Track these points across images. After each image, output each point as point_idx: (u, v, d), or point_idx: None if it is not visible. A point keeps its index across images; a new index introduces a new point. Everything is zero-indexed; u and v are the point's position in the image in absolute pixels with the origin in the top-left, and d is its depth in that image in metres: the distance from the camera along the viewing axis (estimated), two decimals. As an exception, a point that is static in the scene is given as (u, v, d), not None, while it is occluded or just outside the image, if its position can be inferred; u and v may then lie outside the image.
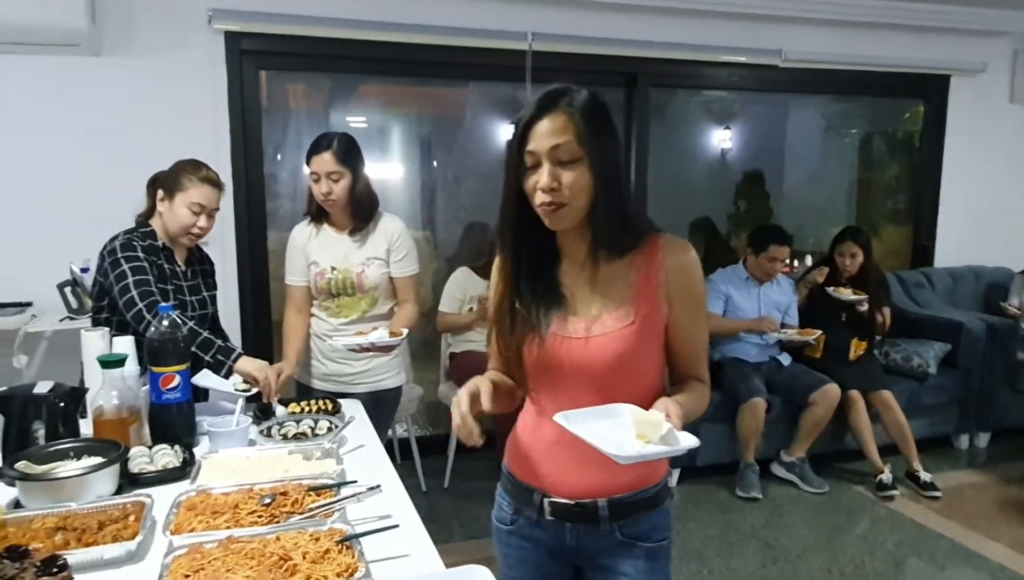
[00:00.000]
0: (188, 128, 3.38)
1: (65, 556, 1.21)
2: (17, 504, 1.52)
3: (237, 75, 3.53)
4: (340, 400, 2.25)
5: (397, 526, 1.41)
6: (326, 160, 2.40)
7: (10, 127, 3.25)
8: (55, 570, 1.14)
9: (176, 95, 3.41)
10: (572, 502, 1.37)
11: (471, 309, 3.75)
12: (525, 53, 3.85)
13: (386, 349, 2.39)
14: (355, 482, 1.59)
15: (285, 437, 1.94)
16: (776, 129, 5.81)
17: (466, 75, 4.28)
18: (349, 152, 2.43)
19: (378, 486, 1.55)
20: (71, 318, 3.06)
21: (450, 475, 3.75)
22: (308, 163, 2.46)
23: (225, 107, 3.52)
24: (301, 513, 1.46)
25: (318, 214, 2.54)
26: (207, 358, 2.09)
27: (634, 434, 1.16)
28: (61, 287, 3.06)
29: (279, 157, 4.02)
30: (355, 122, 4.43)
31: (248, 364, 2.12)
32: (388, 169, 4.38)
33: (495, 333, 1.41)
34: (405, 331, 2.39)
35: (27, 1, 3.00)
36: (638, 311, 1.30)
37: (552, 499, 1.39)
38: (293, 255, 2.58)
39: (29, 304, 3.20)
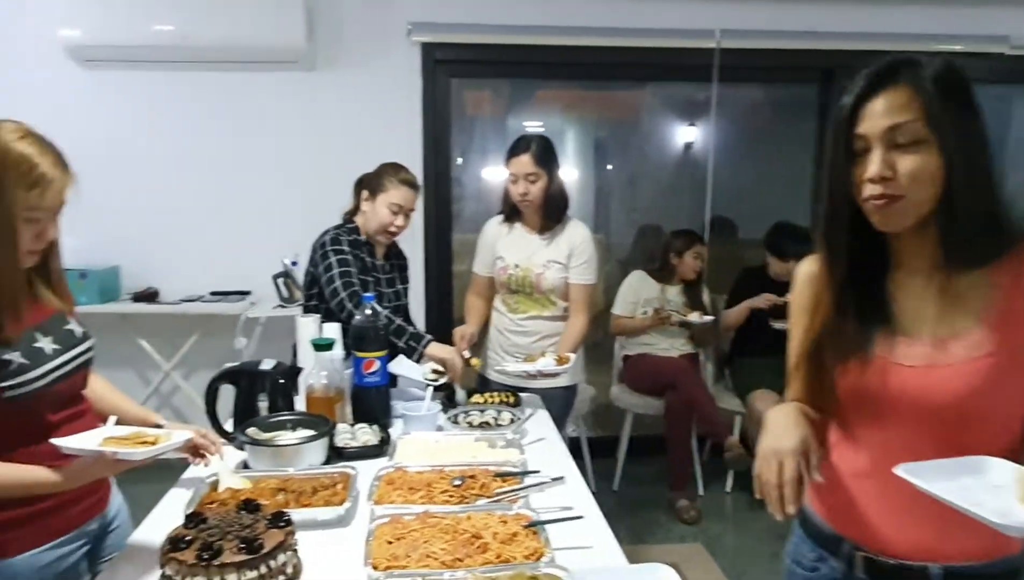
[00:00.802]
0: (387, 134, 3.65)
1: (289, 513, 1.35)
2: (245, 465, 1.72)
3: (431, 84, 3.76)
4: (520, 394, 2.32)
5: (581, 517, 1.44)
6: (524, 162, 2.48)
7: (236, 136, 3.68)
8: (282, 523, 1.28)
9: (378, 104, 3.70)
10: (894, 561, 1.14)
11: (644, 313, 3.71)
12: (712, 51, 3.75)
13: (553, 376, 2.42)
14: (537, 472, 1.64)
15: (471, 425, 2.04)
16: (999, 125, 5.20)
17: (647, 76, 4.24)
18: (546, 154, 2.51)
19: (561, 477, 1.60)
20: (282, 306, 3.41)
21: (620, 478, 3.76)
22: (507, 164, 2.55)
23: (419, 114, 3.75)
24: (489, 496, 1.53)
25: (512, 213, 2.64)
26: (400, 343, 2.25)
27: (1016, 496, 0.92)
28: (275, 278, 3.42)
29: (460, 161, 4.22)
30: (532, 126, 4.53)
31: (437, 349, 2.26)
32: (563, 172, 4.43)
33: (802, 351, 1.20)
34: (572, 357, 2.39)
35: (255, 25, 3.40)
36: (1000, 339, 1.04)
37: (867, 554, 1.16)
38: (483, 248, 2.72)
39: (248, 293, 3.61)
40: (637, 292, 3.77)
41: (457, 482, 1.58)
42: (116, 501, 1.62)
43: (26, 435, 1.33)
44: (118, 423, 1.44)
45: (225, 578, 1.17)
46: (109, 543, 1.56)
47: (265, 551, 1.20)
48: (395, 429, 2.04)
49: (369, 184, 2.42)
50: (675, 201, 4.39)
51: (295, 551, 1.29)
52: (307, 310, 2.42)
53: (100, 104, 3.56)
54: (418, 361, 2.27)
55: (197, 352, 3.63)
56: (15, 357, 1.30)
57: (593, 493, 1.65)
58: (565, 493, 1.60)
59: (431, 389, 2.17)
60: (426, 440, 1.91)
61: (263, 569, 1.20)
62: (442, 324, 3.93)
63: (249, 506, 1.33)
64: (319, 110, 3.68)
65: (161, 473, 1.79)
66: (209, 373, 1.94)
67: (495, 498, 1.52)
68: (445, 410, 2.13)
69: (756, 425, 3.48)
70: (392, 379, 2.43)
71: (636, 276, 3.83)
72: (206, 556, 1.17)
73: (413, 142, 3.74)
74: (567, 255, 2.55)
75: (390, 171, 2.40)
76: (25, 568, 1.35)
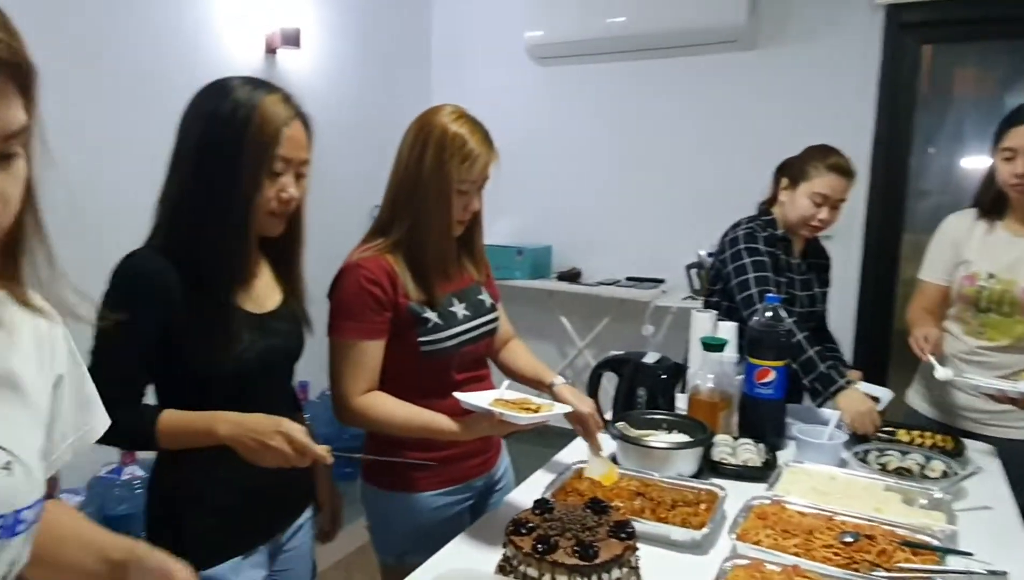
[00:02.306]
0: (830, 116, 3.22)
1: (635, 524, 1.22)
2: (613, 459, 1.65)
3: (892, 53, 3.18)
4: (964, 440, 1.80)
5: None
6: None
7: (667, 122, 3.64)
8: (623, 535, 1.16)
9: (823, 81, 3.29)
10: None
11: None
12: None
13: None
14: (970, 555, 1.21)
15: (883, 468, 1.64)
16: None
17: None
18: None
19: (1005, 573, 1.14)
20: (692, 298, 3.29)
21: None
22: (1000, 138, 1.91)
23: (873, 91, 3.22)
24: (888, 570, 1.17)
25: (992, 206, 2.01)
26: (805, 381, 1.89)
27: None
28: (688, 268, 3.32)
29: (929, 149, 3.49)
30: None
31: (849, 401, 1.81)
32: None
33: None
34: None
35: (698, 6, 3.32)
36: None
37: None
38: (940, 248, 2.10)
39: (662, 281, 3.58)
40: None
41: (848, 538, 1.25)
42: (503, 463, 1.72)
43: (435, 388, 1.47)
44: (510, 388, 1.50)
45: (556, 577, 1.10)
46: (493, 501, 1.66)
47: (598, 561, 1.10)
48: (784, 453, 1.75)
49: (790, 171, 2.11)
50: None
51: (634, 569, 1.16)
52: (707, 305, 2.24)
53: (550, 97, 3.90)
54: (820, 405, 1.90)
55: (608, 334, 3.75)
56: (433, 317, 1.46)
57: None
58: (1008, 595, 1.15)
59: (838, 414, 1.79)
60: (820, 474, 1.58)
61: (594, 579, 1.10)
62: (875, 338, 3.36)
63: (597, 506, 1.25)
64: (756, 92, 3.42)
65: (547, 439, 1.85)
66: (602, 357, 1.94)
67: (897, 575, 1.15)
68: (854, 443, 1.75)
69: None
70: (797, 394, 2.11)
71: None
72: (540, 549, 1.12)
73: (861, 124, 3.23)
74: None
75: (817, 155, 2.05)
76: (425, 505, 1.52)
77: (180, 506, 1.26)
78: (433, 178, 1.41)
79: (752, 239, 2.08)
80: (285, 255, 1.34)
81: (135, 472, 2.28)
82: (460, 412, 1.40)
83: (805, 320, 2.08)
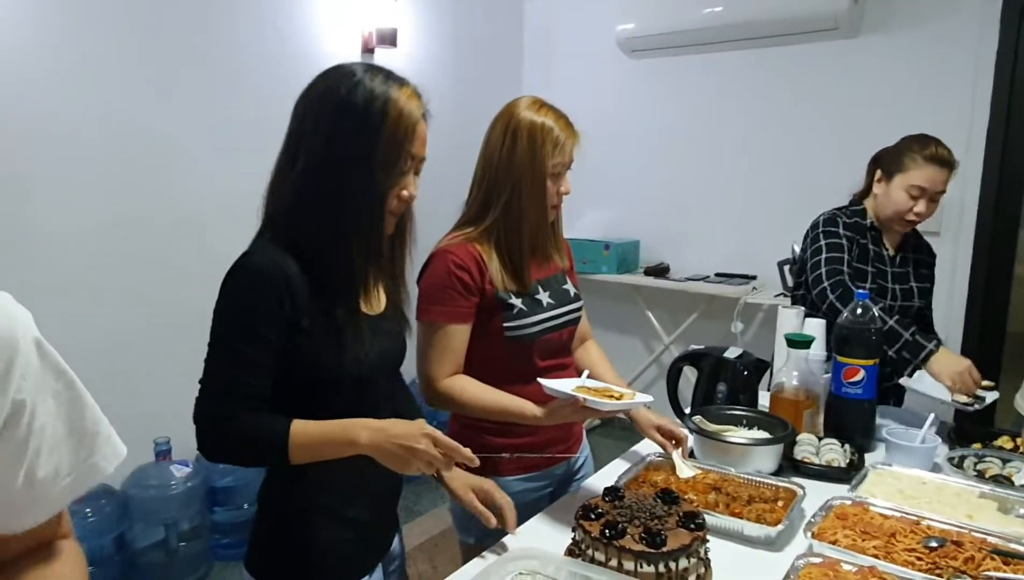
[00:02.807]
0: (938, 105, 3.05)
1: (706, 516, 1.22)
2: (691, 453, 1.63)
3: (1012, 37, 2.97)
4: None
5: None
6: None
7: (763, 114, 3.54)
8: (693, 526, 1.16)
9: (932, 69, 3.12)
10: None
11: None
12: None
13: None
14: (1069, 569, 1.14)
15: (981, 475, 1.55)
16: None
17: None
18: None
19: (1105, 589, 1.07)
20: (784, 295, 3.19)
21: None
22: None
23: (989, 79, 3.02)
24: (974, 577, 1.12)
25: None
26: (891, 353, 1.83)
27: None
28: (780, 265, 3.22)
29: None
30: None
31: (943, 364, 1.77)
32: None
33: None
34: None
35: (796, -5, 3.20)
36: None
37: None
38: None
39: (754, 277, 3.49)
40: None
41: (934, 543, 1.20)
42: (584, 453, 1.75)
43: (519, 374, 1.52)
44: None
45: (623, 562, 1.12)
46: (572, 489, 1.68)
47: (666, 549, 1.11)
48: (873, 455, 1.69)
49: (885, 162, 2.02)
50: None
51: (703, 560, 1.16)
52: (795, 301, 2.18)
53: (640, 90, 3.87)
54: (910, 375, 1.83)
55: (696, 330, 3.69)
56: (518, 303, 1.51)
57: None
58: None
59: (932, 415, 1.71)
60: (910, 478, 1.52)
61: (662, 567, 1.11)
62: (985, 343, 3.16)
63: (668, 496, 1.25)
64: (858, 82, 3.28)
65: (628, 431, 1.86)
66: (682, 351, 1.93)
67: (983, 584, 1.10)
68: (952, 446, 1.67)
69: None
70: (896, 395, 2.03)
71: None
72: (609, 534, 1.14)
73: (976, 114, 3.04)
74: None
75: (914, 146, 1.95)
76: (506, 490, 1.51)
77: (313, 518, 1.18)
78: (527, 166, 1.47)
79: (832, 223, 2.03)
80: (391, 254, 1.26)
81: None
82: (543, 399, 1.43)
83: (898, 314, 1.99)
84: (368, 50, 3.13)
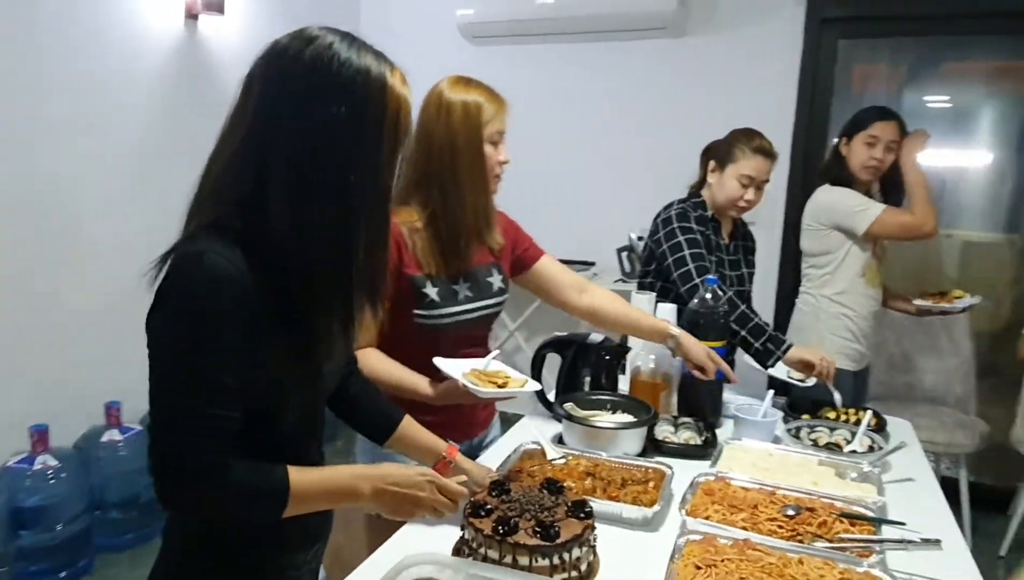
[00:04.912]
0: (755, 103, 3.32)
1: (592, 503, 1.23)
2: (560, 439, 1.65)
3: (813, 47, 3.31)
4: (887, 417, 1.90)
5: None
6: (893, 129, 2.41)
7: (598, 105, 3.68)
8: (582, 515, 1.17)
9: (749, 70, 3.40)
10: None
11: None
12: None
13: None
14: (903, 524, 1.28)
15: (815, 443, 1.72)
16: None
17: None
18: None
19: (937, 541, 1.22)
20: (623, 280, 3.35)
21: (1010, 542, 2.98)
22: (864, 126, 2.43)
23: (795, 81, 3.35)
24: (830, 540, 1.23)
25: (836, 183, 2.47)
26: (756, 345, 1.99)
27: None
28: (619, 251, 3.37)
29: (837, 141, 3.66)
30: (936, 102, 3.75)
31: (801, 351, 1.97)
32: (969, 157, 3.58)
33: None
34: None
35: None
36: None
37: None
38: None
39: (592, 264, 3.62)
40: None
41: (791, 511, 1.30)
42: (491, 434, 1.74)
43: (423, 359, 1.47)
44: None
45: (518, 558, 1.10)
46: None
47: (560, 541, 1.10)
48: (723, 431, 1.81)
49: (717, 154, 2.18)
50: None
51: (593, 548, 1.17)
52: (641, 287, 2.28)
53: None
54: (770, 367, 1.99)
55: (538, 317, 3.76)
56: (432, 293, 1.49)
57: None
58: (939, 561, 1.22)
59: (772, 393, 1.87)
60: (759, 451, 1.64)
61: (556, 559, 1.11)
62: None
63: (553, 487, 1.25)
64: (684, 79, 3.51)
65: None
66: (546, 338, 1.94)
67: (838, 545, 1.21)
68: (787, 419, 1.83)
69: None
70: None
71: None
72: (502, 530, 1.11)
73: (783, 113, 3.36)
74: None
75: (742, 138, 2.12)
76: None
77: (243, 542, 1.00)
78: (464, 136, 1.49)
79: (685, 218, 2.14)
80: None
81: (47, 461, 2.14)
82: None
83: (736, 298, 2.15)
84: (192, 16, 2.83)
